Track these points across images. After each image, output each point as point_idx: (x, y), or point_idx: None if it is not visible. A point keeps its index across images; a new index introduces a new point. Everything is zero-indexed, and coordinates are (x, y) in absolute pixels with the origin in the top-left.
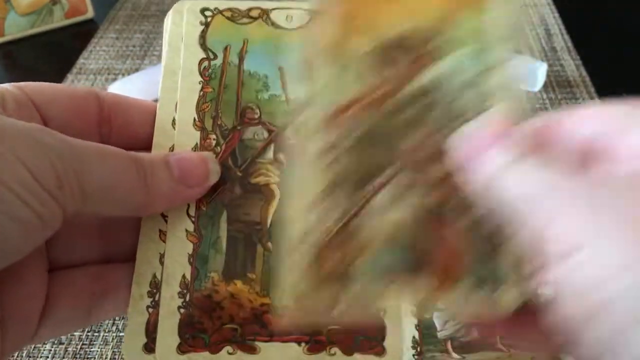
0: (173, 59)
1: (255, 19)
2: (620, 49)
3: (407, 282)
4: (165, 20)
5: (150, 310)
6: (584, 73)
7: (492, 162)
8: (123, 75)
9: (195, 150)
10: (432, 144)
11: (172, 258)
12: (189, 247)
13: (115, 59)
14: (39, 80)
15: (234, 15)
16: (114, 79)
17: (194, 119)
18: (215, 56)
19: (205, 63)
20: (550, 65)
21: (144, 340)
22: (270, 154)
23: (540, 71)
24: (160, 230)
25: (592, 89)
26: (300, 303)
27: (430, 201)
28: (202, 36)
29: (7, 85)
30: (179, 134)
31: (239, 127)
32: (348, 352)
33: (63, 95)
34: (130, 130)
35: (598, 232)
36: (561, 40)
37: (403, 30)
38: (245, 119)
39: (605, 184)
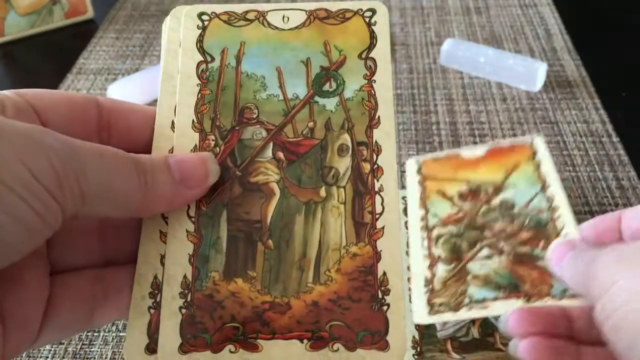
0: (171, 63)
1: (251, 21)
2: (620, 49)
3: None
4: (163, 25)
5: (152, 311)
6: (584, 73)
7: (577, 263)
8: (123, 75)
9: (194, 152)
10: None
11: (172, 259)
12: (190, 248)
13: (115, 59)
14: (39, 80)
15: (230, 19)
16: (114, 79)
17: (193, 121)
18: (213, 59)
19: (203, 66)
20: (550, 65)
21: (146, 341)
22: (269, 152)
23: (540, 71)
24: (160, 232)
25: (592, 89)
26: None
27: (516, 250)
28: (200, 40)
29: (6, 92)
30: (178, 136)
31: (237, 127)
32: (351, 347)
33: (63, 101)
34: (130, 135)
35: (624, 270)
36: (561, 40)
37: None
38: (244, 119)
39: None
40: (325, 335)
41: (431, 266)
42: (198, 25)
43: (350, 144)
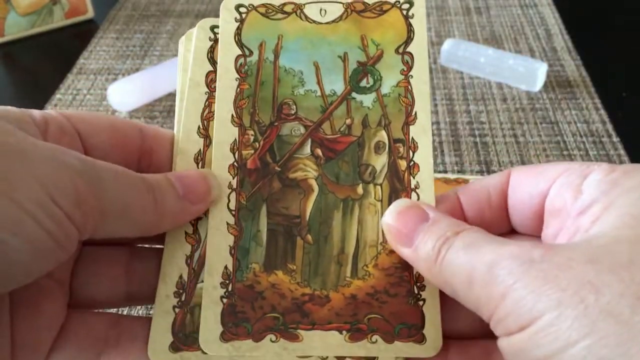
0: (197, 72)
1: (289, 14)
2: (620, 49)
3: None
4: (185, 37)
5: (177, 310)
6: (584, 73)
7: (426, 243)
8: (123, 75)
9: (234, 147)
10: None
11: (214, 250)
12: (230, 240)
13: (116, 59)
14: (39, 80)
15: (268, 11)
16: (114, 79)
17: (232, 115)
18: (251, 53)
19: (242, 60)
20: (550, 65)
21: (171, 339)
22: (307, 149)
23: (540, 71)
24: (186, 233)
25: (592, 89)
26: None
27: None
28: (238, 33)
29: (53, 112)
30: (217, 130)
31: (276, 123)
32: (389, 340)
33: (106, 126)
34: (170, 164)
35: (553, 300)
36: (561, 40)
37: None
38: (282, 115)
39: (551, 251)
40: (363, 328)
41: None
42: (236, 18)
43: (386, 141)
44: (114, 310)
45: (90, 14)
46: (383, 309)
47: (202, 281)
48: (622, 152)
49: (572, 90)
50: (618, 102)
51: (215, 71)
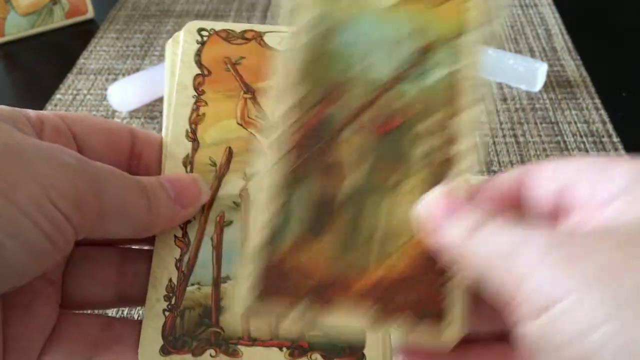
0: (185, 75)
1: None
2: (620, 49)
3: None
4: (172, 40)
5: (166, 313)
6: (584, 73)
7: (460, 226)
8: (123, 75)
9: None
10: None
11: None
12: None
13: (116, 59)
14: (40, 80)
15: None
16: (114, 79)
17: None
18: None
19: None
20: (550, 65)
21: (161, 343)
22: (350, 131)
23: (540, 71)
24: (175, 236)
25: (592, 89)
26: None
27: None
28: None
29: (49, 113)
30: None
31: (323, 103)
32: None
33: (101, 128)
34: (158, 165)
35: (576, 283)
36: (561, 40)
37: None
38: (331, 96)
39: (576, 236)
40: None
41: None
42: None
43: (433, 129)
44: (109, 312)
45: (90, 14)
46: (409, 295)
47: (192, 284)
48: (622, 152)
49: (572, 90)
50: (618, 102)
51: (202, 74)
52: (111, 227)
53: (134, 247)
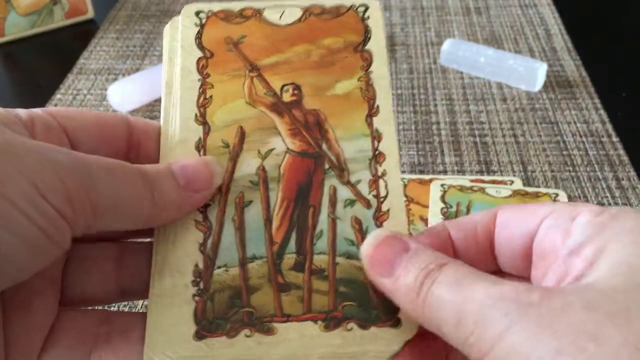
0: (187, 59)
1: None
2: (620, 49)
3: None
4: (169, 26)
5: (197, 298)
6: (584, 73)
7: (409, 275)
8: (123, 75)
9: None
10: None
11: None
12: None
13: (116, 59)
14: (40, 80)
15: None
16: (115, 79)
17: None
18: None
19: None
20: (550, 65)
21: (194, 328)
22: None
23: (540, 71)
24: (196, 221)
25: (592, 89)
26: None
27: None
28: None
29: (38, 110)
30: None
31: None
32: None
33: (93, 122)
34: (157, 155)
35: (548, 351)
36: (561, 40)
37: None
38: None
39: (546, 296)
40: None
41: None
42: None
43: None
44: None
45: (90, 14)
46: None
47: (219, 267)
48: (621, 152)
49: (572, 90)
50: (618, 102)
51: (205, 57)
52: (110, 221)
53: (132, 240)
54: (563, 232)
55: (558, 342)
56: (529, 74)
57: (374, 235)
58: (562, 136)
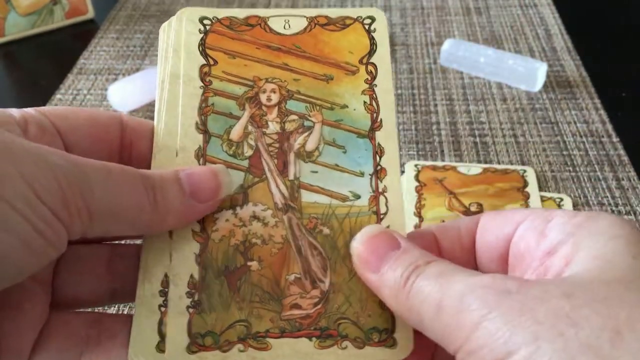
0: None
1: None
2: (620, 49)
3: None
4: (162, 28)
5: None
6: (584, 73)
7: (395, 270)
8: (123, 75)
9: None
10: None
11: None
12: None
13: (116, 59)
14: (40, 80)
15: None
16: (115, 79)
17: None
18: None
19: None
20: (550, 65)
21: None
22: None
23: (540, 71)
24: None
25: (592, 89)
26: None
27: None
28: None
29: (30, 110)
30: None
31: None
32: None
33: (86, 121)
34: (150, 155)
35: (526, 336)
36: (561, 40)
37: None
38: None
39: (524, 285)
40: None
41: None
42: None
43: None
44: (100, 309)
45: (90, 14)
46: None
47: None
48: (621, 152)
49: (572, 90)
50: (618, 102)
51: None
52: (108, 226)
53: (123, 242)
54: (539, 234)
55: (536, 327)
56: (529, 74)
57: (365, 232)
58: (562, 136)
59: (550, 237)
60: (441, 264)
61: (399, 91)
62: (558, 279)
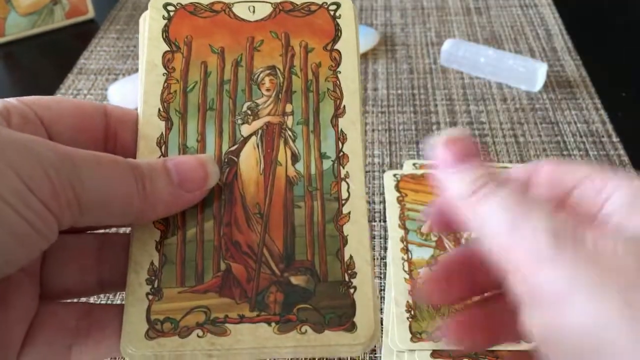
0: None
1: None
2: (620, 49)
3: None
4: (142, 18)
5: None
6: (584, 73)
7: (465, 181)
8: (123, 75)
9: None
10: None
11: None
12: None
13: (116, 59)
14: (40, 80)
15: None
16: (115, 79)
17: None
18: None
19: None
20: (550, 65)
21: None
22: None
23: (540, 71)
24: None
25: (592, 89)
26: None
27: None
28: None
29: (13, 100)
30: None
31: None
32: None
33: (70, 111)
34: (135, 144)
35: (588, 280)
36: (561, 40)
37: None
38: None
39: (589, 234)
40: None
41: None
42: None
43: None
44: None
45: (90, 14)
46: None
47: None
48: (622, 152)
49: (572, 90)
50: (618, 102)
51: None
52: (98, 216)
53: (112, 232)
54: (597, 194)
55: (597, 273)
56: (529, 74)
57: (454, 131)
58: (562, 136)
59: (609, 200)
60: (517, 186)
61: (399, 91)
62: (620, 234)
